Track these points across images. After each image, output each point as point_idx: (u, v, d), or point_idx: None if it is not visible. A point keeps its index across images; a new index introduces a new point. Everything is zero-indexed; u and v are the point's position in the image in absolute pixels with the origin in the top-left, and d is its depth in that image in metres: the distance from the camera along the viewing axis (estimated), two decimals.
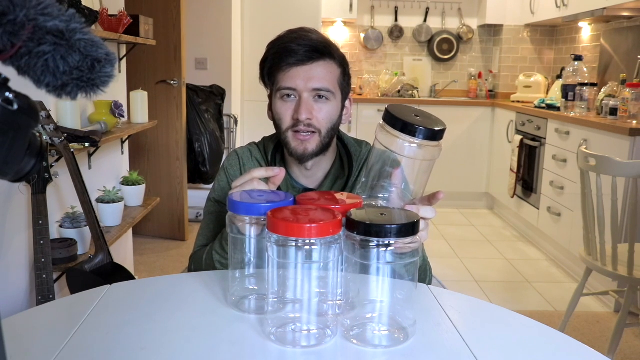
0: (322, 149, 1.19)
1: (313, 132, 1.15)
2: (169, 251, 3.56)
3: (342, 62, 1.19)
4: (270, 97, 1.21)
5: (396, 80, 4.96)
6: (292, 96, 1.15)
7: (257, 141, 1.33)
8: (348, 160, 1.26)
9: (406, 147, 0.86)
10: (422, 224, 0.83)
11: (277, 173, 0.99)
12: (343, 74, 1.19)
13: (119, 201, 2.34)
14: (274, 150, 1.27)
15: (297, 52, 1.12)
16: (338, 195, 0.93)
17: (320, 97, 1.15)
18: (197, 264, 1.20)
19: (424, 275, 1.14)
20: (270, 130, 1.28)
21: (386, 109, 0.89)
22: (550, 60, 4.96)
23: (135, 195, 2.62)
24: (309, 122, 1.14)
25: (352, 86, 1.41)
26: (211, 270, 1.11)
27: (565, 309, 2.39)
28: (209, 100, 3.88)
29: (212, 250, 1.11)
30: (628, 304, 2.08)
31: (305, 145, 1.16)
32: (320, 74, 1.14)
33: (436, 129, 0.86)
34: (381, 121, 0.90)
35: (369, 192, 0.92)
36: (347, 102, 1.23)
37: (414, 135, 0.85)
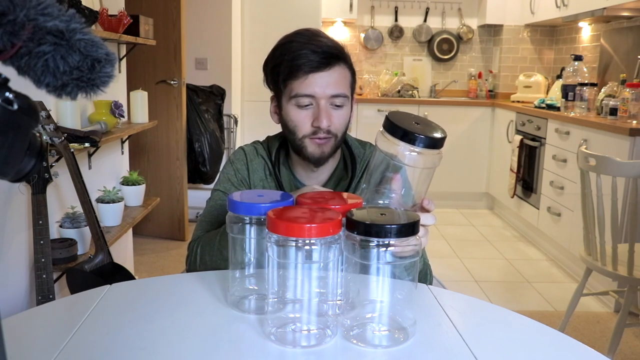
0: (335, 151, 1.20)
1: (330, 137, 1.16)
2: (169, 251, 3.55)
3: (351, 64, 1.19)
4: (278, 100, 1.20)
5: (396, 80, 4.95)
6: (309, 103, 1.14)
7: (260, 140, 1.32)
8: (351, 162, 1.26)
9: (406, 155, 0.86)
10: (421, 231, 0.83)
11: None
12: (353, 76, 1.19)
13: (119, 201, 2.34)
14: (278, 149, 1.27)
15: (313, 59, 1.11)
16: None
17: (336, 103, 1.14)
18: (204, 243, 1.14)
19: (424, 279, 1.14)
20: (270, 130, 1.28)
21: (386, 116, 0.89)
22: (550, 60, 4.95)
23: (135, 195, 2.62)
24: (328, 128, 1.14)
25: None
26: (211, 252, 1.10)
27: (565, 309, 2.39)
28: (209, 100, 3.88)
29: (217, 241, 1.09)
30: (628, 304, 2.08)
31: (322, 148, 1.16)
32: (337, 79, 1.13)
33: (436, 137, 0.86)
34: (381, 128, 0.89)
35: (368, 198, 0.92)
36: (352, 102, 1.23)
37: (414, 144, 0.85)
